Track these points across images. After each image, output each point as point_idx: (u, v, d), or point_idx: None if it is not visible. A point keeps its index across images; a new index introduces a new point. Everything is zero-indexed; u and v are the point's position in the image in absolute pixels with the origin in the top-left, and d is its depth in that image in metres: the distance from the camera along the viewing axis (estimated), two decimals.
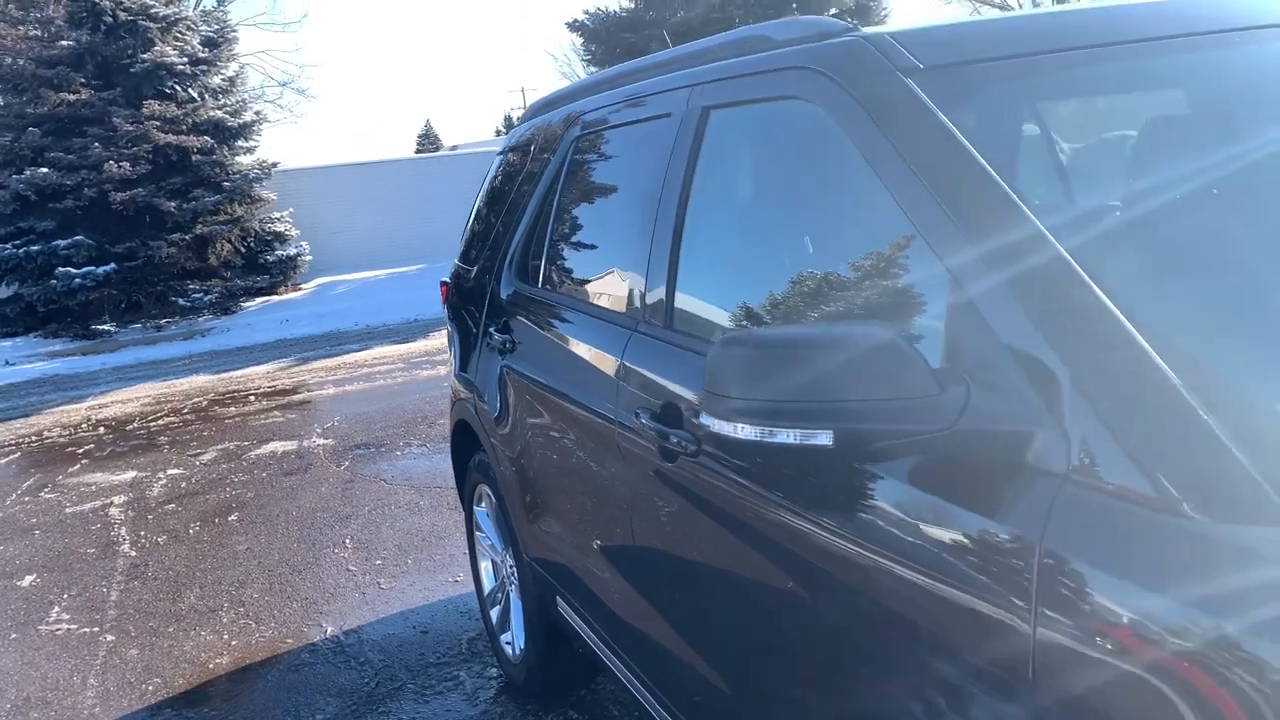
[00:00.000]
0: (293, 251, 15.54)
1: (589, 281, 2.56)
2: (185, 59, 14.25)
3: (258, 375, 10.49)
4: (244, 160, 15.30)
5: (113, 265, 13.58)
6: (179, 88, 14.30)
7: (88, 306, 13.66)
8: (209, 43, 14.95)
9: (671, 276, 2.06)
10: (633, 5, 17.68)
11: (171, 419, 8.61)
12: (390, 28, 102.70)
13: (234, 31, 15.29)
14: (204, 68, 14.72)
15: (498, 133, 55.80)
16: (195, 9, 15.54)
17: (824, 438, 1.25)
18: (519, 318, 2.95)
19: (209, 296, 14.33)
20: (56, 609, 4.57)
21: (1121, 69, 1.66)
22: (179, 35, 14.49)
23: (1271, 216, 1.46)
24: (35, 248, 13.33)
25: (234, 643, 4.02)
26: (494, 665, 3.58)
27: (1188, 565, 1.01)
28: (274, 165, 15.49)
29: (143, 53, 13.96)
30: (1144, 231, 1.38)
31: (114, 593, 4.69)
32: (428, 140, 65.62)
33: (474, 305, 3.38)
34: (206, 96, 14.76)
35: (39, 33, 14.01)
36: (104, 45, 13.92)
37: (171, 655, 3.97)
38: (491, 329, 3.12)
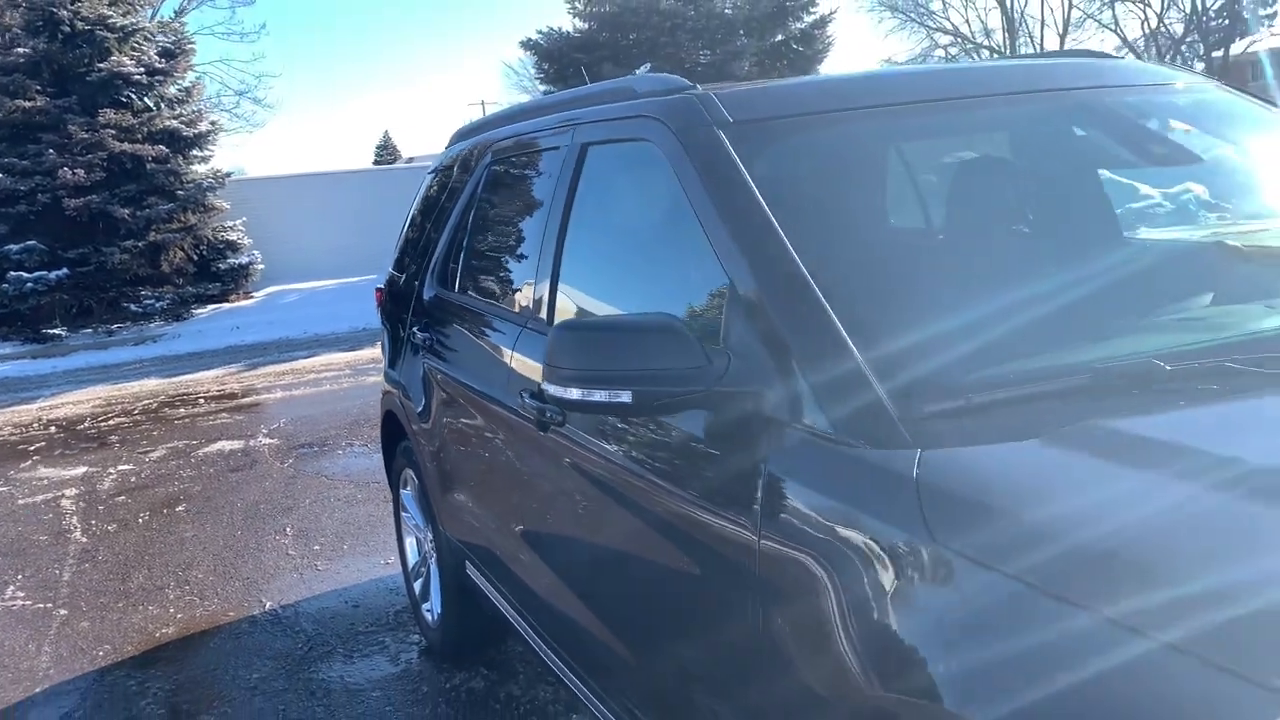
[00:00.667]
0: (245, 260, 15.80)
1: (493, 286, 3.00)
2: (142, 69, 14.51)
3: (207, 379, 10.78)
4: (198, 169, 15.55)
5: (65, 270, 13.77)
6: (135, 97, 14.55)
7: (39, 311, 13.82)
8: (166, 53, 15.21)
9: (554, 282, 2.50)
10: (586, 26, 18.18)
11: (122, 419, 8.89)
12: (350, 39, 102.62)
13: (191, 43, 15.57)
14: (160, 78, 14.97)
15: None
16: (152, 20, 15.77)
17: (625, 396, 1.69)
18: (438, 318, 3.37)
19: (161, 303, 14.56)
20: (11, 588, 4.89)
21: (904, 125, 2.13)
22: (136, 46, 14.74)
23: (959, 244, 1.93)
24: None
25: (179, 616, 4.38)
26: (416, 633, 3.97)
27: (849, 478, 1.46)
28: (228, 175, 15.77)
29: (99, 62, 14.20)
30: (866, 251, 1.85)
31: (66, 574, 5.02)
32: (386, 151, 65.66)
33: (402, 308, 3.80)
34: (163, 106, 15.00)
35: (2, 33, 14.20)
36: (61, 54, 14.14)
37: (120, 626, 4.32)
38: (415, 328, 3.54)
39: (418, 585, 3.94)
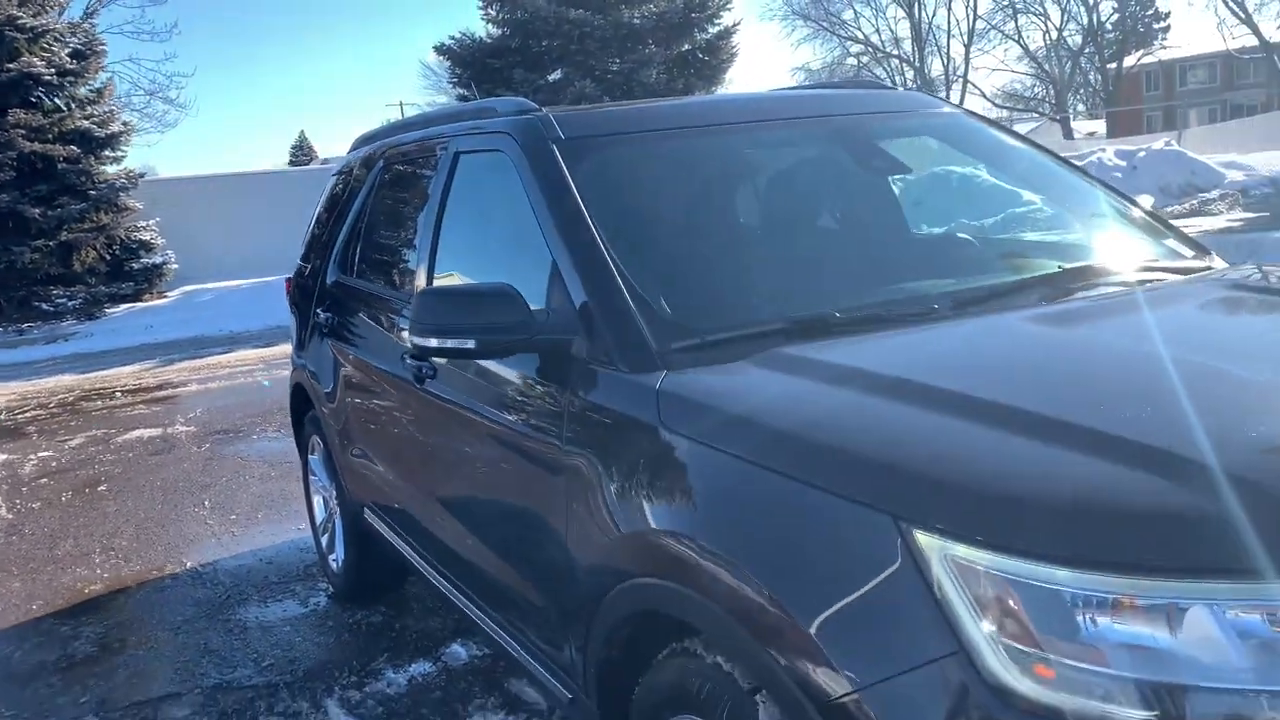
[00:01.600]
0: (158, 260, 15.94)
1: (384, 270, 3.56)
2: (53, 70, 14.59)
3: (123, 375, 11.03)
4: (110, 170, 15.65)
5: None
6: (45, 97, 14.63)
7: None
8: (77, 54, 15.30)
9: (431, 264, 3.06)
10: (499, 33, 18.68)
11: (39, 411, 9.16)
12: (266, 38, 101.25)
13: (102, 44, 15.67)
14: (71, 79, 15.06)
15: None
16: (61, 19, 15.80)
17: (470, 343, 2.27)
18: (339, 300, 3.91)
19: (73, 302, 14.66)
20: None
21: (704, 145, 2.76)
22: (46, 46, 14.81)
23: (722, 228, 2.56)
24: None
25: (106, 576, 4.82)
26: (324, 582, 4.48)
27: (619, 393, 2.06)
28: (141, 175, 15.89)
29: (9, 62, 14.26)
30: (651, 236, 2.46)
31: None
32: (301, 151, 64.97)
33: (309, 294, 4.32)
34: (74, 106, 15.09)
35: None
36: None
37: (51, 586, 4.75)
38: (319, 310, 4.07)
39: (325, 540, 4.45)
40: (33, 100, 14.52)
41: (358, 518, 3.89)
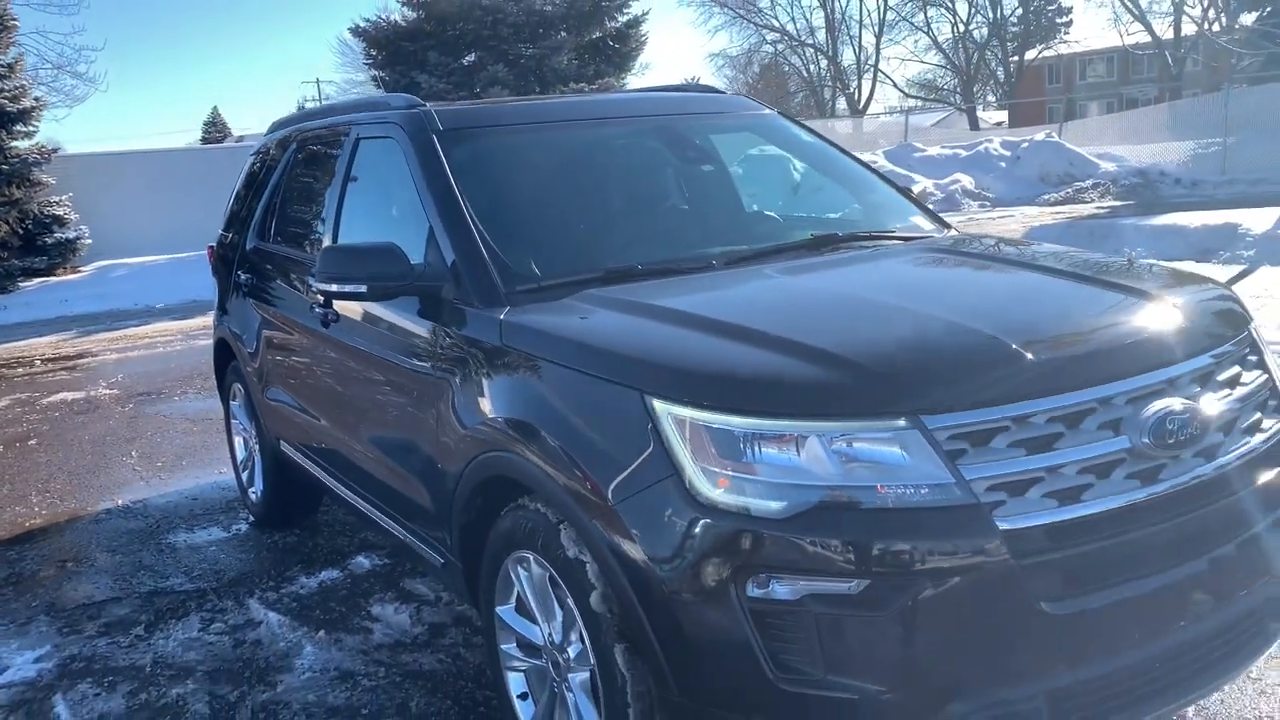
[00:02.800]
0: (72, 235, 16.08)
1: (297, 236, 4.20)
2: None
3: (41, 345, 11.35)
4: (22, 145, 15.73)
5: None
6: None
7: None
8: None
9: (335, 229, 3.72)
10: (415, 15, 19.05)
11: None
12: (178, 12, 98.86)
13: (14, 20, 15.70)
14: None
15: None
16: None
17: (363, 288, 2.95)
18: (257, 263, 4.53)
19: None
20: None
21: (552, 137, 3.47)
22: None
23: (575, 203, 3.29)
24: None
25: (44, 513, 5.37)
26: (245, 513, 5.09)
27: (473, 324, 2.76)
28: (54, 150, 16.02)
29: None
30: (508, 206, 3.17)
31: None
32: (215, 128, 63.80)
33: (229, 260, 4.92)
34: None
35: None
36: None
37: None
38: (240, 272, 4.69)
39: (245, 475, 5.07)
40: None
41: (275, 451, 4.52)
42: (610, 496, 2.18)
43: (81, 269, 16.48)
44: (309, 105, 56.45)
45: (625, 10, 19.09)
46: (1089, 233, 13.04)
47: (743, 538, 2.02)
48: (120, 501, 5.45)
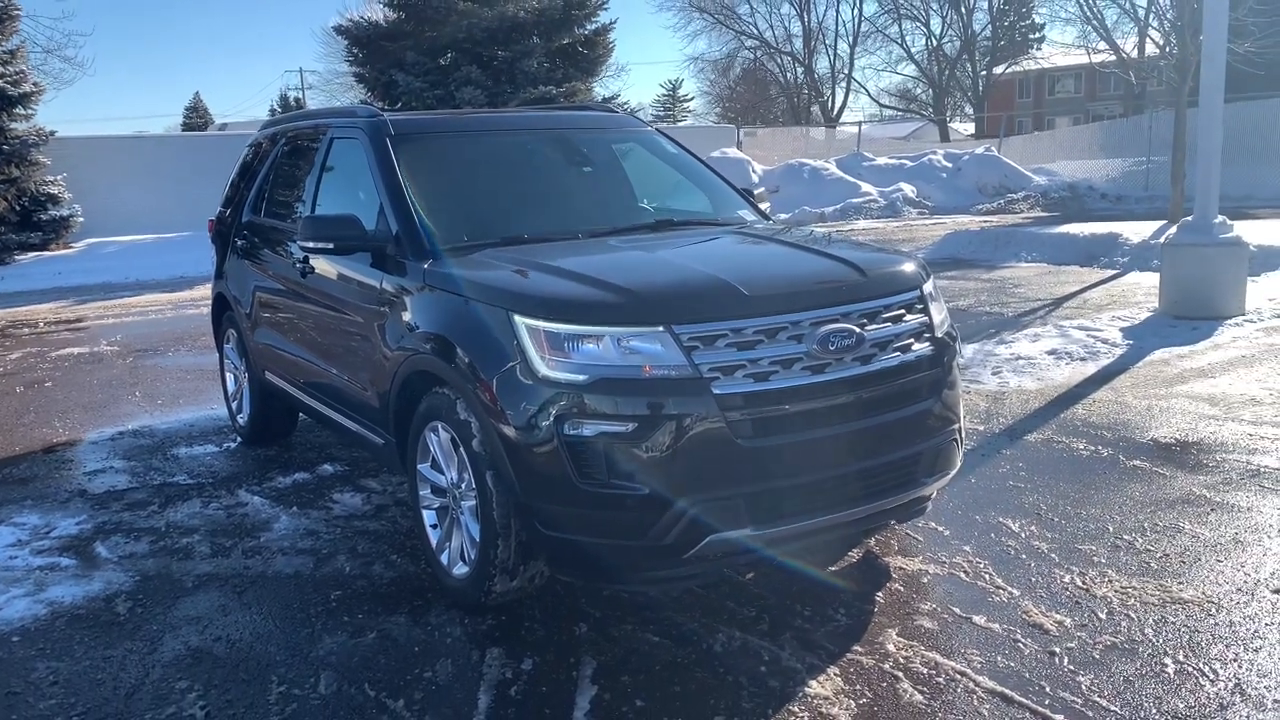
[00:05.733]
0: (65, 213, 17.17)
1: (284, 210, 5.43)
2: None
3: (42, 310, 12.47)
4: (21, 127, 16.80)
5: None
6: None
7: None
8: None
9: (313, 205, 4.96)
10: (395, 16, 20.24)
11: None
12: None
13: (17, 9, 16.78)
14: None
15: (271, 112, 56.53)
16: None
17: (330, 245, 4.19)
18: (251, 232, 5.76)
19: None
20: None
21: (477, 142, 4.73)
22: None
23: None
24: None
25: (67, 433, 6.56)
26: (234, 436, 6.31)
27: (408, 273, 4.00)
28: (51, 133, 17.07)
29: None
30: (443, 192, 4.41)
31: None
32: (196, 113, 64.56)
33: (228, 229, 6.15)
34: None
35: None
36: None
37: (25, 438, 6.47)
38: (237, 239, 5.92)
39: (235, 404, 6.30)
40: None
41: (261, 381, 5.75)
42: (485, 376, 3.44)
43: (74, 245, 17.57)
44: (292, 95, 57.44)
45: (594, 19, 20.36)
46: (994, 238, 14.41)
47: (562, 397, 3.27)
48: (130, 426, 6.65)
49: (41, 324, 11.32)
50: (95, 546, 4.58)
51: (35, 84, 17.14)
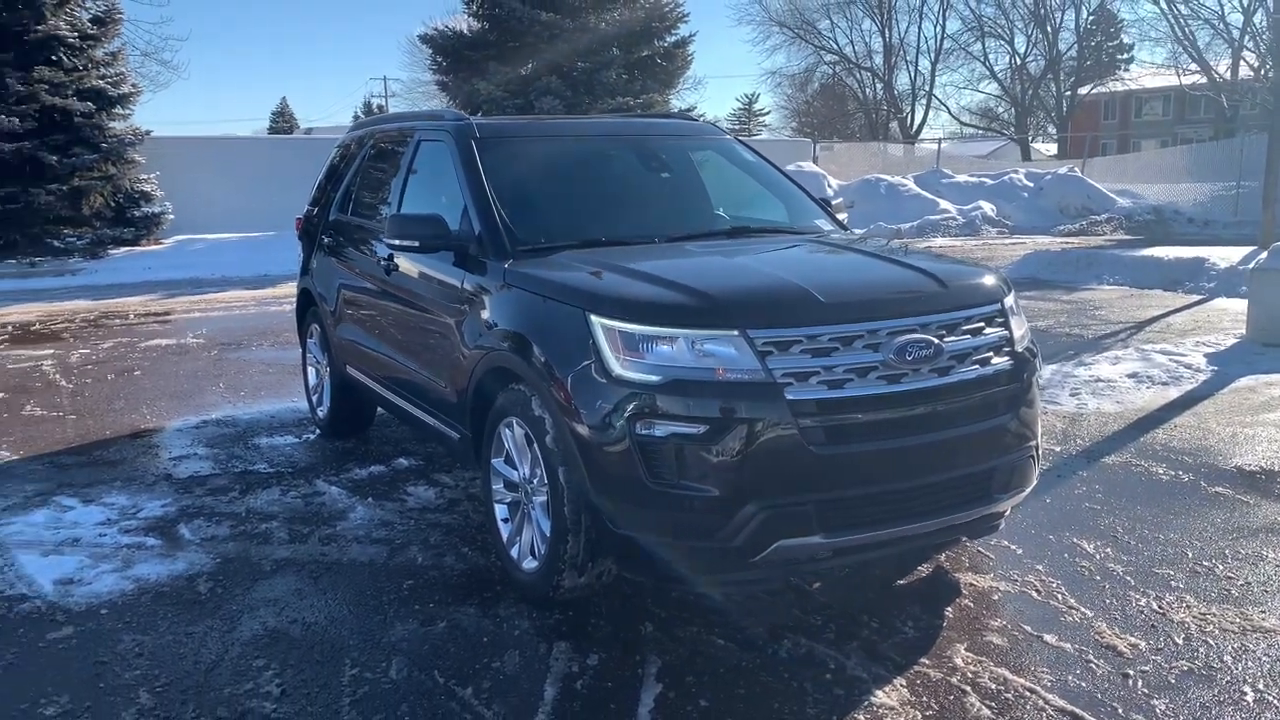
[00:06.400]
0: (157, 210, 17.74)
1: (369, 210, 5.57)
2: (75, 33, 16.36)
3: (131, 303, 12.91)
4: (119, 126, 17.42)
5: None
6: (67, 57, 16.38)
7: None
8: (97, 20, 17.08)
9: (399, 204, 5.08)
10: (478, 27, 20.60)
11: (68, 324, 11.06)
12: (253, 3, 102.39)
13: (120, 13, 17.43)
14: (91, 42, 16.83)
15: (355, 118, 57.77)
16: None
17: (415, 243, 4.30)
18: (337, 230, 5.92)
19: (81, 241, 16.46)
20: (29, 406, 7.20)
21: (558, 147, 4.82)
22: (70, 12, 16.58)
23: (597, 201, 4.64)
24: None
25: (155, 420, 6.80)
26: (313, 428, 6.47)
27: (488, 271, 4.08)
28: (147, 133, 17.68)
29: (37, 24, 16.00)
30: (525, 194, 4.49)
31: (64, 401, 7.34)
32: (282, 118, 66.25)
33: (315, 227, 6.32)
34: (91, 67, 16.85)
35: None
36: (0, 13, 15.89)
37: (115, 424, 6.71)
38: (324, 237, 6.08)
39: (315, 398, 6.46)
40: (55, 60, 16.26)
41: (342, 375, 5.90)
42: (560, 374, 3.50)
43: (164, 241, 18.14)
44: (376, 102, 58.67)
45: (674, 31, 20.47)
46: (1075, 259, 14.13)
47: (636, 397, 3.31)
48: (213, 416, 6.86)
49: (132, 315, 11.73)
50: (179, 528, 4.73)
51: (134, 85, 17.76)
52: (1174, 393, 6.94)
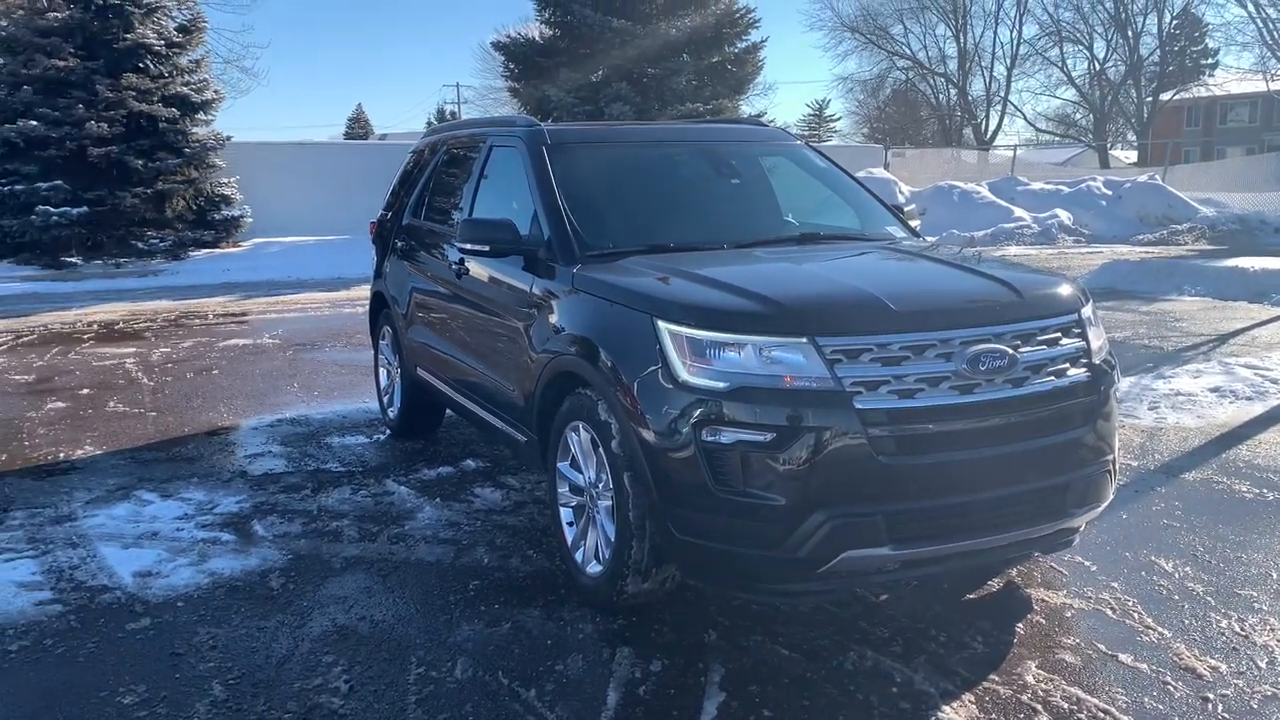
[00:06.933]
0: (237, 213, 18.19)
1: (442, 215, 5.64)
2: (162, 41, 16.88)
3: (211, 304, 13.26)
4: (201, 131, 17.91)
5: (84, 208, 16.09)
6: (153, 65, 16.90)
7: (58, 242, 16.12)
8: (182, 29, 17.60)
9: (471, 209, 5.14)
10: (550, 34, 20.77)
11: (150, 324, 11.39)
12: (330, 11, 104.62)
13: (205, 21, 17.95)
14: (176, 49, 17.34)
15: (428, 124, 58.70)
16: None
17: (486, 247, 4.34)
18: (411, 234, 6.01)
19: (163, 243, 16.94)
20: (112, 403, 7.42)
21: (628, 152, 4.83)
22: (157, 20, 17.10)
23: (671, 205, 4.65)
24: (20, 187, 15.81)
25: (231, 418, 6.96)
26: (384, 429, 6.57)
27: (557, 275, 4.11)
28: (228, 138, 18.16)
29: (126, 33, 16.54)
30: (593, 200, 4.51)
31: (146, 398, 7.56)
32: (357, 124, 67.48)
33: (389, 231, 6.42)
34: (175, 74, 17.36)
35: (33, 3, 16.43)
36: (92, 22, 16.45)
37: (193, 421, 6.89)
38: (397, 241, 6.18)
39: (386, 399, 6.56)
40: (142, 66, 16.79)
41: (413, 377, 5.98)
42: (626, 379, 3.51)
43: (242, 244, 18.60)
44: (449, 108, 59.55)
45: (745, 37, 20.42)
46: (1155, 269, 13.75)
47: (703, 404, 3.30)
48: (288, 415, 7.01)
49: (210, 316, 12.03)
50: (253, 524, 4.84)
51: (216, 92, 18.25)
52: (1258, 408, 6.72)
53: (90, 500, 5.17)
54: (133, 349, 9.65)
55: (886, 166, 24.30)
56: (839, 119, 67.95)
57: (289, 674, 3.39)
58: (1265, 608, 3.77)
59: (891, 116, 60.91)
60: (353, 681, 3.33)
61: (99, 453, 6.09)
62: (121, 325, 11.28)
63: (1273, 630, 3.58)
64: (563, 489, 4.06)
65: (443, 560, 4.35)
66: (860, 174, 20.79)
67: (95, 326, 11.20)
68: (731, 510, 3.28)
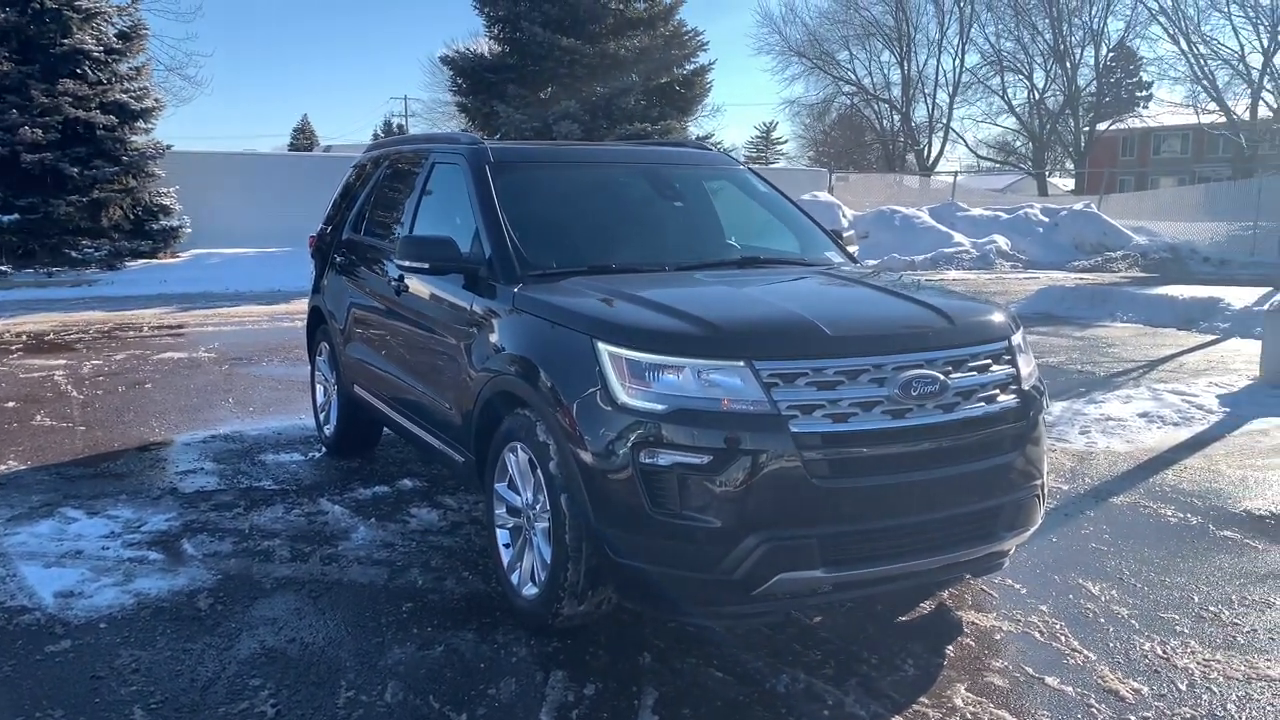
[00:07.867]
0: (175, 223, 17.87)
1: (382, 230, 5.59)
2: (101, 47, 16.57)
3: (146, 315, 12.99)
4: (140, 140, 17.59)
5: (16, 215, 15.71)
6: (91, 71, 16.56)
7: None
8: (122, 35, 17.29)
9: (411, 225, 5.10)
10: (499, 50, 20.75)
11: (82, 335, 11.12)
12: (274, 21, 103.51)
13: (146, 29, 17.65)
14: (116, 56, 17.02)
15: (375, 136, 58.18)
16: (110, 2, 17.66)
17: (426, 265, 4.30)
18: (350, 249, 5.94)
19: (99, 253, 16.59)
20: (39, 416, 7.23)
21: (572, 172, 4.83)
22: (96, 26, 16.79)
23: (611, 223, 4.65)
24: None
25: (163, 433, 6.81)
26: (320, 446, 6.48)
27: (497, 295, 4.09)
28: (168, 147, 17.85)
29: (63, 38, 16.21)
30: (532, 217, 4.51)
31: (75, 412, 7.38)
32: (303, 135, 66.76)
33: (328, 245, 6.35)
34: (115, 81, 17.03)
35: None
36: (28, 26, 16.08)
37: (125, 435, 6.73)
38: (337, 256, 6.11)
39: (323, 415, 6.47)
40: (79, 73, 16.45)
41: (349, 394, 5.91)
42: (565, 400, 3.50)
43: (180, 254, 18.26)
44: (396, 121, 59.18)
45: (694, 59, 20.59)
46: (1089, 296, 14.08)
47: (640, 426, 3.30)
48: (221, 430, 6.88)
49: (146, 328, 11.79)
50: (182, 543, 4.73)
51: (156, 100, 17.94)
52: (1185, 433, 6.90)
53: (12, 517, 5.03)
54: (63, 361, 9.42)
55: (831, 190, 24.62)
56: (786, 142, 68.82)
57: (214, 698, 3.31)
58: (1186, 630, 3.86)
59: (837, 140, 61.79)
60: (280, 705, 3.27)
61: (23, 468, 5.92)
62: (52, 336, 11.00)
63: (1193, 653, 3.67)
64: (500, 510, 4.03)
65: (376, 581, 4.29)
66: (805, 197, 21.06)
67: (24, 337, 10.91)
68: (668, 532, 3.28)
